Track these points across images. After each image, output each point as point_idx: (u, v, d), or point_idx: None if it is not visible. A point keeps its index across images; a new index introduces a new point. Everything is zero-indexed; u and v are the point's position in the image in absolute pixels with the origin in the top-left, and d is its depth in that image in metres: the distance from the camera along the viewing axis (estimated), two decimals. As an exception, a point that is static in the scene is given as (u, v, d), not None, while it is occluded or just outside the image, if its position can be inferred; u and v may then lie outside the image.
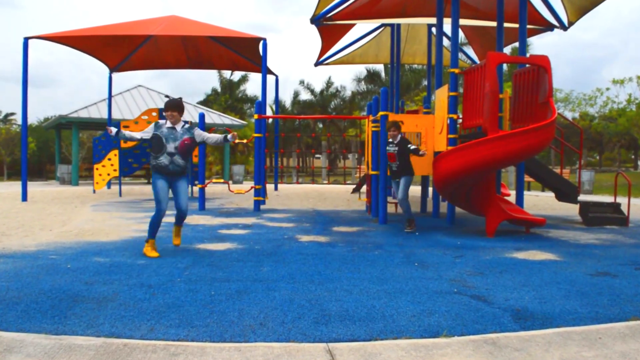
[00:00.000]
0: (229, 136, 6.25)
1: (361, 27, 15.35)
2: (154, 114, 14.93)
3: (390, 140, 8.45)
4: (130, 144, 14.85)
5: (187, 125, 6.09)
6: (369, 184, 10.61)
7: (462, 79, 12.65)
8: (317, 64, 16.84)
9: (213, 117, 26.22)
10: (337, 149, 45.53)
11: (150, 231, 6.04)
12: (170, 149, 5.91)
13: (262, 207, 11.64)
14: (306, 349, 3.17)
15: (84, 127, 28.00)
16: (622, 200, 10.86)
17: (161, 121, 6.07)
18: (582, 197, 11.25)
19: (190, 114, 25.37)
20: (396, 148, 8.31)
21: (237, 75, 45.49)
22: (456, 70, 9.02)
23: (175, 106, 5.96)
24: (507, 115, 9.39)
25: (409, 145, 8.29)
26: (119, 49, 17.14)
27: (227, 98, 44.06)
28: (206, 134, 6.23)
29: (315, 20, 12.14)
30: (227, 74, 45.42)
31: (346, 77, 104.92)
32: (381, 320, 3.71)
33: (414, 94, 38.98)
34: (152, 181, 6.00)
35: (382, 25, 15.54)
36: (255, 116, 11.32)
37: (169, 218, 6.83)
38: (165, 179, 6.00)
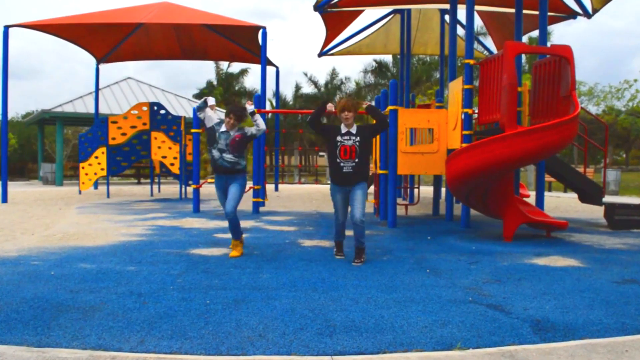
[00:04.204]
0: (249, 108, 6.70)
1: (369, 14, 15.35)
2: (145, 108, 14.96)
3: (345, 129, 6.24)
4: (118, 141, 14.88)
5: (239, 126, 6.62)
6: (376, 185, 10.61)
7: (477, 71, 12.63)
8: (321, 54, 16.86)
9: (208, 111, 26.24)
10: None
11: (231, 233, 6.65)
12: (221, 145, 6.45)
13: (261, 209, 11.65)
14: (309, 362, 3.18)
15: (69, 123, 28.06)
16: (651, 201, 10.83)
17: (221, 120, 6.64)
18: (607, 199, 11.22)
19: (184, 108, 25.42)
20: (357, 138, 6.19)
21: (236, 67, 45.60)
22: (471, 62, 9.01)
23: (238, 116, 6.48)
24: (527, 110, 9.38)
25: (377, 119, 6.44)
26: (107, 38, 17.19)
27: (220, 91, 44.08)
28: (252, 128, 6.68)
29: (319, 7, 12.15)
30: (224, 65, 45.53)
31: (352, 69, 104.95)
32: (390, 331, 3.71)
33: (426, 87, 38.95)
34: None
35: (392, 12, 15.55)
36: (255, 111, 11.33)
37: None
38: (220, 179, 6.56)
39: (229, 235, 7.91)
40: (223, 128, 6.52)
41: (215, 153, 6.46)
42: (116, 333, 3.60)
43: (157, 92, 27.07)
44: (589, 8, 11.95)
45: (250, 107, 6.75)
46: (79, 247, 6.89)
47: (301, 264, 5.97)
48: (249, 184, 11.86)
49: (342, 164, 6.16)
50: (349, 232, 6.66)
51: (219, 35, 17.09)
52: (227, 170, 6.48)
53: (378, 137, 9.91)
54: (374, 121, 6.48)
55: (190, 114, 19.65)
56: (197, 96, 44.50)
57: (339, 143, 6.18)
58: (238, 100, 45.41)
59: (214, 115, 6.72)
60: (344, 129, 6.21)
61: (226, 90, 45.05)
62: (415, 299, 4.54)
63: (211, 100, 6.78)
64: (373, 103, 9.09)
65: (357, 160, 6.16)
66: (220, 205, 6.85)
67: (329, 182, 6.57)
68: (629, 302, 4.53)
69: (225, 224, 8.93)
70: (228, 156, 6.44)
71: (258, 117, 6.77)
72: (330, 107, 6.39)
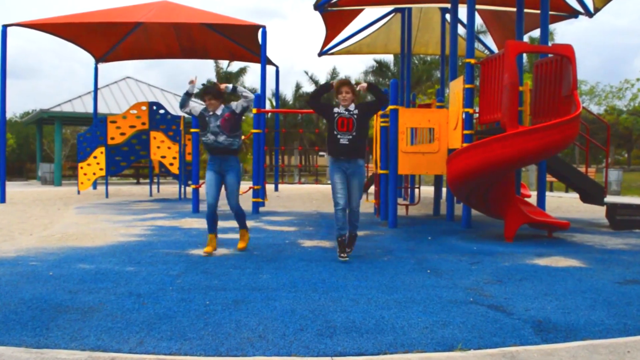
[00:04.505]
0: (228, 88, 6.71)
1: (369, 13, 15.37)
2: (144, 108, 14.97)
3: (342, 108, 6.33)
4: (117, 140, 14.88)
5: (226, 105, 6.65)
6: (377, 185, 10.62)
7: (478, 70, 12.63)
8: (321, 53, 16.86)
9: (191, 102, 26.30)
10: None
11: (207, 226, 6.65)
12: (213, 128, 6.49)
13: (261, 209, 11.66)
14: (309, 363, 3.18)
15: (68, 123, 28.07)
16: (653, 202, 10.84)
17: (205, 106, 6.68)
18: (609, 199, 11.21)
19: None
20: (355, 111, 6.29)
21: (236, 66, 45.62)
22: (472, 61, 9.01)
23: (212, 93, 6.55)
24: (528, 109, 9.38)
25: (376, 95, 6.51)
26: (106, 38, 17.19)
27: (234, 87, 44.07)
28: (240, 101, 6.67)
29: (320, 5, 12.14)
30: (224, 64, 45.55)
31: (353, 68, 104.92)
32: (391, 332, 3.72)
33: (426, 86, 38.98)
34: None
35: (392, 11, 15.55)
36: (254, 110, 11.33)
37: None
38: (214, 167, 6.57)
39: (228, 236, 7.93)
40: (210, 112, 6.58)
41: (209, 137, 6.49)
42: (115, 334, 3.60)
43: (156, 91, 27.08)
44: (591, 7, 11.95)
45: (228, 86, 6.73)
46: (78, 247, 6.89)
47: (301, 265, 5.97)
48: (248, 184, 11.86)
49: (339, 136, 6.24)
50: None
51: (218, 34, 17.09)
52: (222, 150, 6.52)
53: (379, 137, 9.92)
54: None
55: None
56: (197, 96, 44.50)
57: (336, 115, 6.30)
58: (238, 100, 45.43)
59: (197, 104, 6.76)
60: (342, 107, 6.34)
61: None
62: (416, 300, 4.54)
63: (191, 88, 6.77)
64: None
65: (354, 133, 6.24)
66: (219, 206, 6.84)
67: (328, 159, 6.54)
68: (631, 302, 4.53)
69: (225, 224, 8.95)
70: (222, 137, 6.47)
71: (240, 88, 6.73)
72: (335, 83, 6.48)
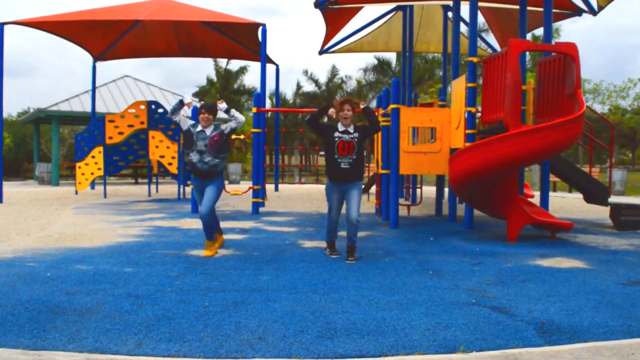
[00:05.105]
0: (222, 107, 6.75)
1: (370, 11, 15.36)
2: (142, 107, 14.96)
3: (342, 127, 6.39)
4: (115, 140, 14.89)
5: (216, 125, 6.68)
6: (378, 185, 10.62)
7: (481, 69, 12.63)
8: (321, 52, 16.85)
9: (182, 113, 26.28)
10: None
11: (205, 233, 6.66)
12: (200, 147, 6.48)
13: (261, 209, 11.65)
14: (309, 365, 3.18)
15: (65, 122, 28.08)
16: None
17: (196, 122, 6.69)
18: (613, 199, 11.21)
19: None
20: (355, 134, 6.36)
21: (236, 65, 45.64)
22: (474, 59, 9.01)
23: (208, 108, 6.59)
24: (531, 108, 9.37)
25: (371, 121, 6.62)
26: (104, 36, 17.18)
27: (217, 88, 44.07)
28: (230, 122, 6.69)
29: (320, 3, 12.14)
30: (223, 63, 45.57)
31: (353, 67, 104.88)
32: (392, 334, 3.72)
33: (428, 85, 38.98)
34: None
35: (394, 9, 15.54)
36: (254, 109, 11.34)
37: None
38: (198, 181, 6.65)
39: (228, 236, 7.92)
40: (199, 128, 6.55)
41: (194, 156, 6.49)
42: (113, 336, 3.61)
43: (154, 90, 27.07)
44: (595, 5, 11.95)
45: (221, 105, 6.79)
46: (76, 248, 6.89)
47: (301, 266, 5.97)
48: (248, 183, 11.86)
49: (339, 160, 6.30)
50: (341, 233, 6.69)
51: (218, 32, 17.09)
52: (206, 173, 6.54)
53: (380, 136, 9.91)
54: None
55: (188, 112, 19.59)
56: (196, 95, 44.53)
57: (337, 139, 6.33)
58: (237, 99, 45.46)
59: (188, 118, 6.85)
60: (341, 127, 6.37)
61: (224, 89, 45.04)
62: (417, 301, 4.54)
63: (187, 98, 6.83)
64: (375, 102, 9.08)
65: (354, 157, 6.33)
66: (218, 206, 6.88)
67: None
68: (635, 304, 4.53)
69: (225, 224, 8.96)
70: (207, 158, 6.48)
71: (234, 111, 6.77)
72: (332, 112, 6.48)
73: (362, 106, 6.68)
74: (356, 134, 6.35)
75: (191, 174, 6.73)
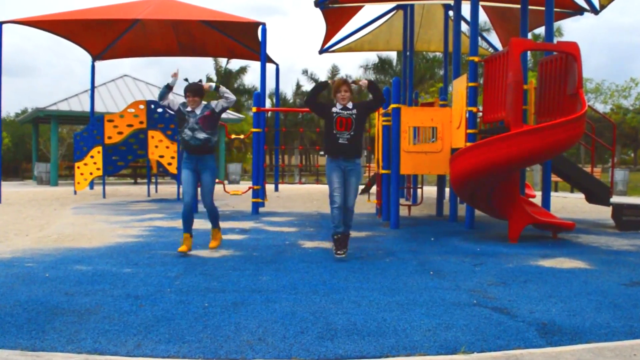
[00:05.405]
0: (211, 86, 6.88)
1: (370, 10, 15.37)
2: (141, 106, 14.96)
3: (339, 106, 6.51)
4: (114, 140, 14.88)
5: (205, 104, 6.76)
6: (379, 184, 10.61)
7: (482, 68, 12.63)
8: (321, 51, 16.84)
9: (170, 95, 26.30)
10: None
11: (183, 225, 6.64)
12: (191, 124, 6.56)
13: (261, 209, 11.65)
14: (309, 366, 3.18)
15: (64, 122, 28.10)
16: (660, 202, 10.83)
17: (184, 101, 6.72)
18: (615, 199, 11.21)
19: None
20: (353, 111, 6.48)
21: (236, 64, 45.67)
22: (476, 59, 9.00)
23: (194, 91, 6.61)
24: (532, 108, 9.38)
25: (375, 94, 6.62)
26: (103, 35, 17.17)
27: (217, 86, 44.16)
28: (221, 101, 6.78)
29: (320, 2, 12.14)
30: (223, 62, 45.59)
31: (354, 66, 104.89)
32: (393, 335, 3.72)
33: (429, 84, 38.99)
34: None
35: (394, 7, 15.54)
36: (254, 109, 11.34)
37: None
38: (190, 166, 6.62)
39: (228, 237, 7.93)
40: (189, 108, 6.65)
41: (187, 133, 6.56)
42: (112, 337, 3.60)
43: (154, 89, 27.06)
44: (596, 4, 11.94)
45: (209, 84, 6.87)
46: (75, 248, 6.89)
47: (302, 266, 5.97)
48: (248, 183, 11.87)
49: (337, 135, 6.43)
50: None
51: (217, 31, 17.08)
52: (199, 148, 6.58)
53: (381, 136, 9.91)
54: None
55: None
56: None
57: (335, 115, 6.47)
58: (238, 99, 45.51)
59: (176, 98, 6.88)
60: (339, 105, 6.51)
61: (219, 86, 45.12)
62: (418, 302, 4.54)
63: (173, 81, 6.83)
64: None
65: (352, 132, 6.43)
66: (218, 206, 6.87)
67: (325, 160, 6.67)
68: (638, 304, 4.52)
69: (225, 224, 8.96)
70: (200, 134, 6.56)
71: (223, 88, 6.86)
72: (334, 82, 6.60)
73: (365, 82, 6.73)
74: (354, 110, 6.48)
75: (184, 159, 6.74)
